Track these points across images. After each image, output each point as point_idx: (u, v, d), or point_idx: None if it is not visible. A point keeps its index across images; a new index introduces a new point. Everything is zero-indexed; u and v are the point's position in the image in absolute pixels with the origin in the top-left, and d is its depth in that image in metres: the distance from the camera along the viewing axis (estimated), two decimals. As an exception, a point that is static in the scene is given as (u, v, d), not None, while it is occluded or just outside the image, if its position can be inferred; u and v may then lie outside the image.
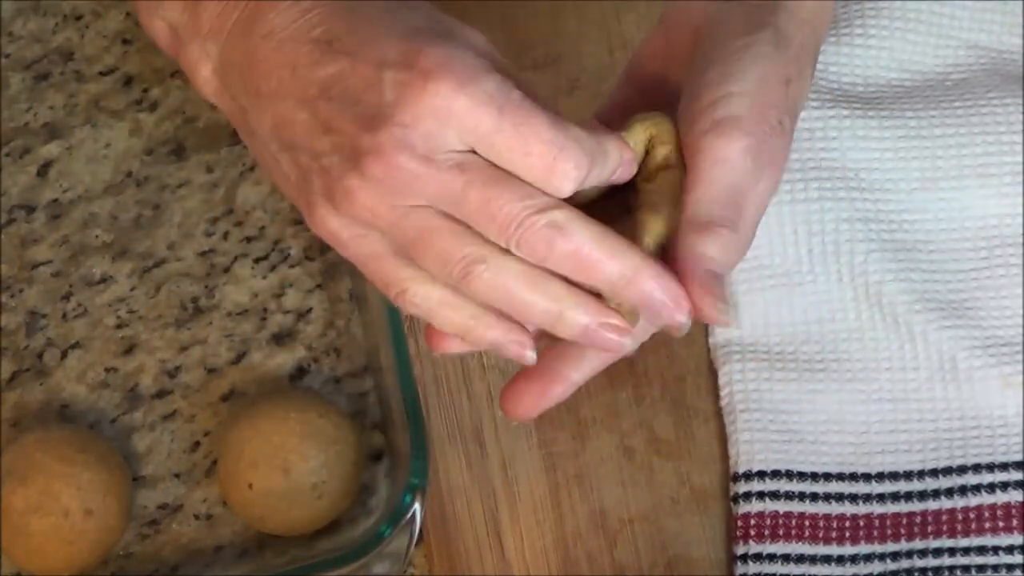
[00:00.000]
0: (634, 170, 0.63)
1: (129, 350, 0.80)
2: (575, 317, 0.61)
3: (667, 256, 0.62)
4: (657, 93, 0.67)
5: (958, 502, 0.76)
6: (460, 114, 0.58)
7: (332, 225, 0.61)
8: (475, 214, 0.59)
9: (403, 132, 0.58)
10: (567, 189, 0.59)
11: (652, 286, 0.60)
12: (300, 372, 0.80)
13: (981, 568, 0.75)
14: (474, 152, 0.59)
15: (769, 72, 0.63)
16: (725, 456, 0.78)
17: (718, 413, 0.79)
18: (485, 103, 0.58)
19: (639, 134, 0.63)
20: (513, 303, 0.61)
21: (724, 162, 0.61)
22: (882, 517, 0.76)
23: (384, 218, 0.60)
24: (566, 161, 0.58)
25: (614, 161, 0.61)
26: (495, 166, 0.59)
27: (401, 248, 0.61)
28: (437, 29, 0.60)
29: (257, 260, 0.82)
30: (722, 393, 0.78)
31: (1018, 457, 0.77)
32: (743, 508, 0.76)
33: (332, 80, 0.60)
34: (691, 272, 0.61)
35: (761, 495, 0.76)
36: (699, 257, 0.61)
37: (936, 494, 0.77)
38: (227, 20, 0.63)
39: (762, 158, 0.62)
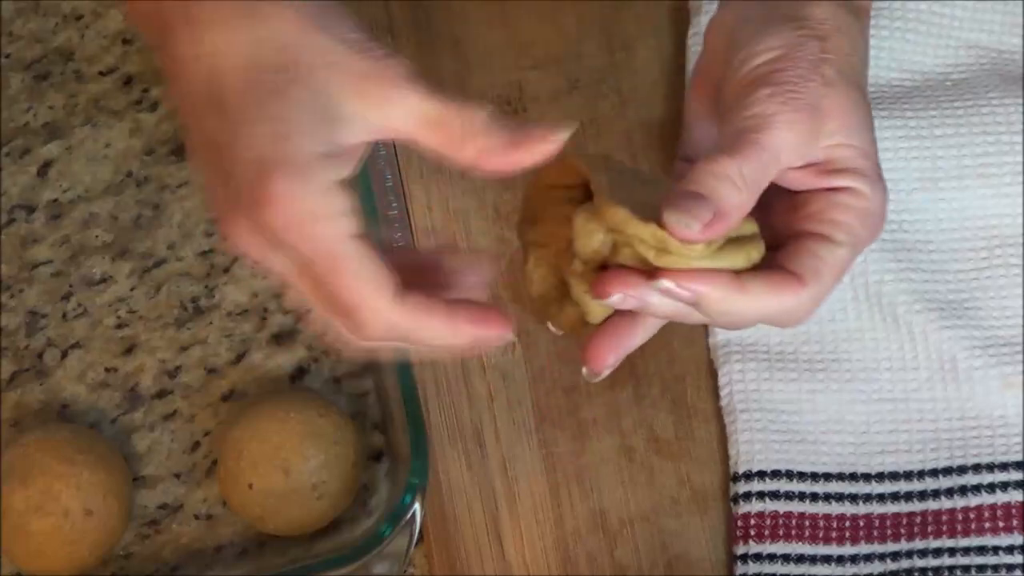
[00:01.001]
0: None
1: (129, 350, 0.80)
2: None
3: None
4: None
5: (958, 502, 0.76)
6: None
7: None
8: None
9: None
10: None
11: None
12: (300, 372, 0.80)
13: (981, 568, 0.75)
14: None
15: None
16: (725, 456, 0.78)
17: (718, 413, 0.79)
18: None
19: (589, 222, 0.62)
20: None
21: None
22: (882, 517, 0.76)
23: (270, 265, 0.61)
24: None
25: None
26: None
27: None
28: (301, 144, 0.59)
29: (257, 260, 0.82)
30: (722, 393, 0.78)
31: (1018, 457, 0.77)
32: (743, 508, 0.76)
33: (209, 145, 0.60)
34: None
35: (761, 495, 0.76)
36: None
37: (936, 494, 0.77)
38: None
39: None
